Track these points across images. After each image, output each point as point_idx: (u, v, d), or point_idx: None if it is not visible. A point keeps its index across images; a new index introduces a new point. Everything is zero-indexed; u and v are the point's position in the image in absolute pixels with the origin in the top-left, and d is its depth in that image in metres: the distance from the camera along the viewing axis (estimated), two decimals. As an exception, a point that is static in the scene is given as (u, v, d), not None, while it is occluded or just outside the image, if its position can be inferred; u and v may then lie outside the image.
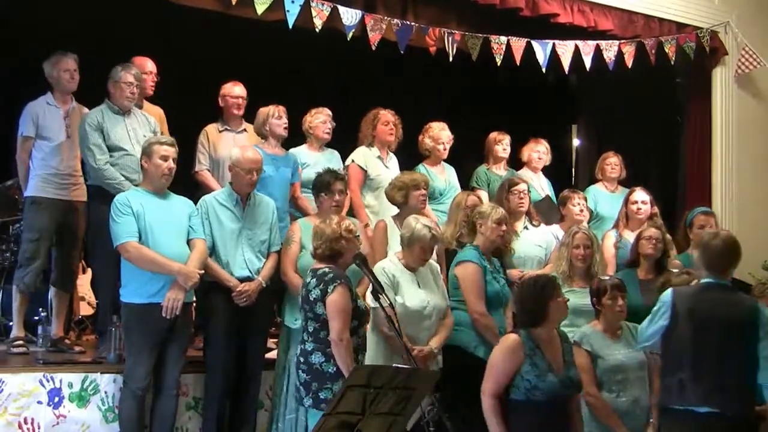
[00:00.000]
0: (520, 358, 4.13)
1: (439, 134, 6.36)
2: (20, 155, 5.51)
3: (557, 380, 4.13)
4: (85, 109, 5.63)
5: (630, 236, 5.94)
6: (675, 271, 5.08)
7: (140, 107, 5.76)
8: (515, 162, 6.92)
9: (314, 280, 4.43)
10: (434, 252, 5.03)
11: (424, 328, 4.90)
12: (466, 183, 6.62)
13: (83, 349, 5.58)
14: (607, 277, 4.94)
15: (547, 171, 6.97)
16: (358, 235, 4.63)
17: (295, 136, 6.04)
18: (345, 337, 4.29)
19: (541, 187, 6.78)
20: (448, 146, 6.39)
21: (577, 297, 5.03)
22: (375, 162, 6.11)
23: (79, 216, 5.59)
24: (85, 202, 5.58)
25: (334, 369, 4.34)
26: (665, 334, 4.32)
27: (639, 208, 6.13)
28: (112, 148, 5.43)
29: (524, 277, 5.50)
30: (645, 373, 4.71)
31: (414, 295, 4.87)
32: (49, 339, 5.56)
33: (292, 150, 5.99)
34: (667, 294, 4.38)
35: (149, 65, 5.97)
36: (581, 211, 6.11)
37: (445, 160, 6.47)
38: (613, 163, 6.86)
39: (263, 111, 5.84)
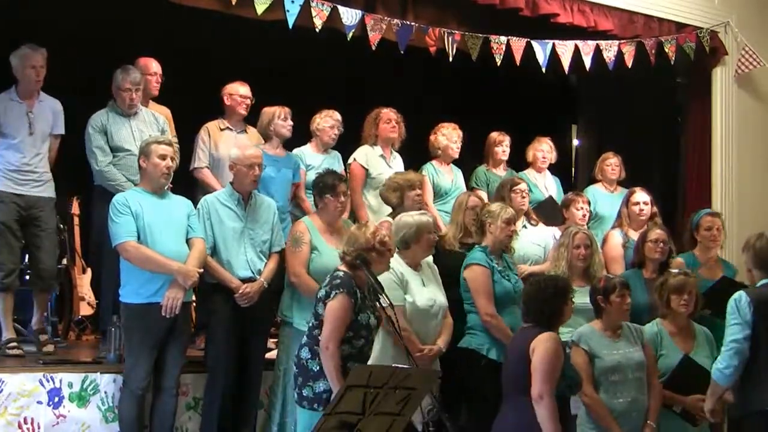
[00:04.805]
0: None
1: (452, 133, 6.37)
2: None
3: None
4: (58, 104, 5.49)
5: (635, 236, 5.94)
6: (674, 271, 5.08)
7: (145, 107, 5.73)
8: (520, 162, 6.92)
9: (327, 278, 4.42)
10: None
11: (432, 326, 4.93)
12: (465, 183, 6.61)
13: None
14: (612, 276, 4.95)
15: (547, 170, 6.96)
16: (391, 249, 4.56)
17: (295, 135, 6.04)
18: (331, 346, 4.21)
19: (545, 186, 6.77)
20: (459, 146, 6.40)
21: (576, 296, 5.03)
22: (377, 161, 6.10)
23: (46, 213, 5.41)
24: (54, 198, 5.46)
25: (318, 368, 4.29)
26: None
27: (642, 209, 6.12)
28: (115, 149, 5.42)
29: (526, 272, 5.57)
30: (643, 374, 4.70)
31: (421, 294, 4.88)
32: (48, 339, 5.53)
33: (295, 150, 5.99)
34: (741, 300, 4.40)
35: (153, 66, 5.93)
36: (584, 216, 6.09)
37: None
38: (613, 164, 6.83)
39: (268, 111, 5.83)
